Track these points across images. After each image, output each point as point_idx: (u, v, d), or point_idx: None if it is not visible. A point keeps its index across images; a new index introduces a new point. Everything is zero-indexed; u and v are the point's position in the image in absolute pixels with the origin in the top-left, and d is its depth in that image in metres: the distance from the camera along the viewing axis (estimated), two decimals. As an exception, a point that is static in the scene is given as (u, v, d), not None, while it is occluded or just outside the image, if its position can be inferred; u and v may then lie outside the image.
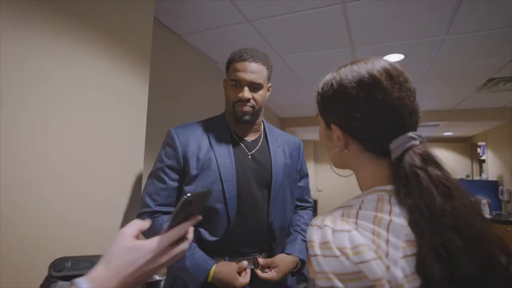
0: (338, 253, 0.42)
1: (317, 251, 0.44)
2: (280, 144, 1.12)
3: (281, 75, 2.88)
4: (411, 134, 0.50)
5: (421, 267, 0.41)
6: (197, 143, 0.99)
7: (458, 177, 5.28)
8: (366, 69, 0.52)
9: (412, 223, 0.43)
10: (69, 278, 0.47)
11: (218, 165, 0.96)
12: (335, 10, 1.68)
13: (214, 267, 0.89)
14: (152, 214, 0.95)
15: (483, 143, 5.40)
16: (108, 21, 1.05)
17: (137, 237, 0.48)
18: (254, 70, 0.97)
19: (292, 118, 4.98)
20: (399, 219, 0.43)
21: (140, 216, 0.98)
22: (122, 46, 1.11)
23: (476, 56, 2.25)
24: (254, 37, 2.04)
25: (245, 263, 0.93)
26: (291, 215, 1.12)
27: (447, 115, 4.19)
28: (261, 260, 0.96)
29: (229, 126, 1.05)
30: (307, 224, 1.16)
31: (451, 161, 6.09)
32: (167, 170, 0.98)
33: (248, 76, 0.96)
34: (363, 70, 0.52)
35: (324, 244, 0.44)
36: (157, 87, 1.67)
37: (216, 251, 0.94)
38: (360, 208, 0.46)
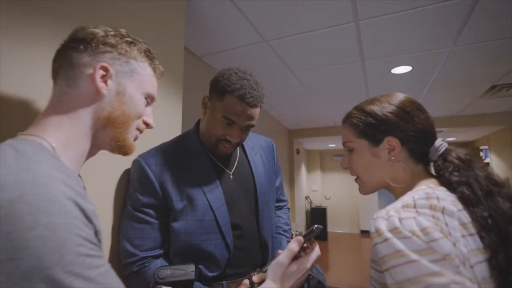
0: (409, 234, 0.48)
1: (388, 235, 0.49)
2: (256, 150, 1.06)
3: (291, 90, 2.98)
4: (441, 138, 0.66)
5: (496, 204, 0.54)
6: (173, 172, 0.87)
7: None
8: (404, 96, 0.69)
9: (483, 190, 0.56)
10: (169, 284, 0.57)
11: (204, 193, 0.87)
12: (349, 28, 1.78)
13: None
14: (140, 263, 0.82)
15: (486, 147, 5.50)
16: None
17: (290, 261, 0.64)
18: (253, 116, 0.85)
19: (300, 129, 5.07)
20: (450, 206, 0.52)
21: (126, 268, 0.82)
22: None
23: (482, 65, 2.35)
24: (269, 56, 2.13)
25: (246, 282, 0.87)
26: (275, 220, 1.09)
27: (450, 121, 4.29)
28: (255, 278, 0.90)
29: (204, 147, 0.94)
30: (287, 224, 1.15)
31: (456, 166, 6.16)
32: (145, 209, 0.84)
33: (246, 122, 0.85)
34: (403, 97, 0.68)
35: (394, 230, 0.50)
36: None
37: (214, 279, 0.87)
38: (414, 200, 0.54)
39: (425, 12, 1.59)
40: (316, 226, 0.63)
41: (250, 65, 2.31)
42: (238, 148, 1.02)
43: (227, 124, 0.85)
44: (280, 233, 1.10)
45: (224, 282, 0.87)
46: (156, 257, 0.84)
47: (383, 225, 0.51)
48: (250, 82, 0.83)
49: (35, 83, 0.68)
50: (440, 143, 0.65)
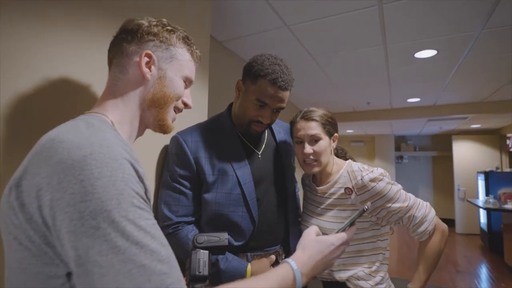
0: (386, 176, 0.95)
1: (381, 177, 0.93)
2: (283, 134, 1.15)
3: (311, 75, 2.97)
4: None
5: None
6: (207, 149, 0.96)
7: (488, 169, 5.19)
8: None
9: None
10: (205, 248, 0.66)
11: (234, 169, 0.95)
12: (372, 11, 1.75)
13: (249, 266, 0.90)
14: (175, 226, 0.92)
15: (513, 135, 5.27)
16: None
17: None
18: (283, 98, 0.93)
19: (316, 115, 5.04)
20: None
21: (162, 230, 0.88)
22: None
23: (512, 48, 2.24)
24: (290, 41, 2.14)
25: (273, 257, 0.96)
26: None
27: (476, 107, 4.13)
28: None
29: (236, 128, 1.02)
30: None
31: (479, 154, 5.96)
32: (181, 180, 0.94)
33: (278, 104, 0.93)
34: None
35: (380, 175, 0.94)
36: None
37: (238, 250, 0.94)
38: (362, 165, 1.01)
39: (453, -6, 1.54)
40: (366, 207, 0.67)
41: (270, 51, 2.31)
42: (266, 130, 1.09)
43: (260, 106, 0.92)
44: None
45: (249, 253, 0.95)
46: (188, 223, 0.95)
47: (372, 175, 0.93)
48: (281, 67, 0.90)
49: (93, 71, 0.78)
50: None
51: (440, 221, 0.97)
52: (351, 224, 0.70)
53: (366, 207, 0.69)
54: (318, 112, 1.00)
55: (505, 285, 3.42)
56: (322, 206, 1.03)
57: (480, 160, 5.90)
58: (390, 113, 4.68)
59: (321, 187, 1.04)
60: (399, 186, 0.96)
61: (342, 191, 0.98)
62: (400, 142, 7.45)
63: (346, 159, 1.10)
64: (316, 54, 2.42)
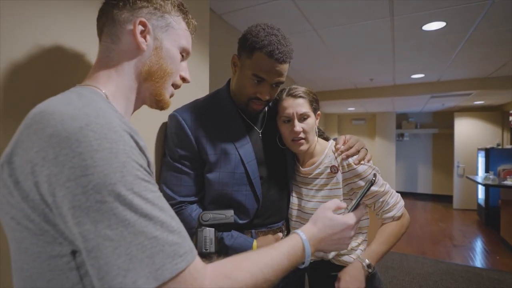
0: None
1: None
2: None
3: (312, 49, 2.87)
4: None
5: None
6: (208, 127, 0.92)
7: (489, 145, 5.18)
8: None
9: None
10: (211, 226, 0.63)
11: (236, 148, 0.92)
12: (380, -21, 1.65)
13: (255, 243, 0.90)
14: (178, 205, 0.90)
15: (516, 111, 5.21)
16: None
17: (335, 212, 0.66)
18: (282, 72, 0.87)
19: (318, 92, 4.96)
20: None
21: None
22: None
23: (524, 20, 2.15)
24: (292, 13, 2.04)
25: (280, 234, 0.96)
26: None
27: (481, 83, 4.05)
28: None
29: (235, 105, 0.97)
30: None
31: (481, 131, 5.94)
32: (182, 160, 0.91)
33: (276, 78, 0.87)
34: None
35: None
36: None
37: (242, 228, 0.94)
38: None
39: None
40: (373, 179, 0.66)
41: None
42: (267, 107, 1.05)
43: (257, 81, 0.87)
44: None
45: (253, 230, 0.95)
46: (191, 203, 0.93)
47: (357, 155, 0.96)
48: (278, 38, 0.83)
49: (85, 40, 0.73)
50: None
51: (406, 212, 1.00)
52: (357, 205, 0.68)
53: (374, 178, 0.67)
54: (303, 89, 0.97)
55: (500, 258, 3.52)
56: (308, 187, 1.02)
57: (481, 137, 5.88)
58: (393, 90, 4.59)
59: (305, 168, 1.02)
60: (377, 169, 0.98)
61: (329, 170, 0.98)
62: (401, 119, 7.39)
63: (324, 138, 1.08)
64: (319, 27, 2.32)
